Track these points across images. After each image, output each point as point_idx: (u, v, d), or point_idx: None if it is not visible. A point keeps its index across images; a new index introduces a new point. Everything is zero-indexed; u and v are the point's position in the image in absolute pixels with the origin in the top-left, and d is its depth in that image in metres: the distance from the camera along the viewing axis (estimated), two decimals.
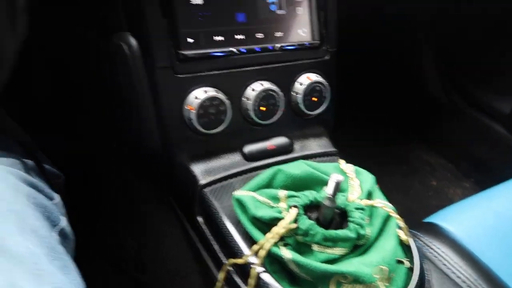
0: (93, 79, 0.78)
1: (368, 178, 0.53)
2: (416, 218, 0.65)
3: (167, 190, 0.68)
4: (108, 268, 0.80)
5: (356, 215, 0.46)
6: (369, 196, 0.51)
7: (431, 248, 0.57)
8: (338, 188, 0.44)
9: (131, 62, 0.55)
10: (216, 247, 0.52)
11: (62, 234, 0.46)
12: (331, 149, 0.67)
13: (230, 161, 0.60)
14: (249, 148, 0.61)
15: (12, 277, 0.32)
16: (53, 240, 0.40)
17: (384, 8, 0.96)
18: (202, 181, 0.57)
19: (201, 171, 0.58)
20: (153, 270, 0.76)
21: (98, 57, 0.68)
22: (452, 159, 1.25)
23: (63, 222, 0.47)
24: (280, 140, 0.63)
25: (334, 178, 0.44)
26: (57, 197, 0.50)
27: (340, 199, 0.48)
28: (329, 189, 0.45)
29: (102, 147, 0.85)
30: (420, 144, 1.34)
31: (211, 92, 0.55)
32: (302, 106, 0.63)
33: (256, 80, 0.59)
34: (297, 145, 0.65)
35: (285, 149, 0.63)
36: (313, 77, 0.63)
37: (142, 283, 0.82)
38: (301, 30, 0.63)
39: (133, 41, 0.55)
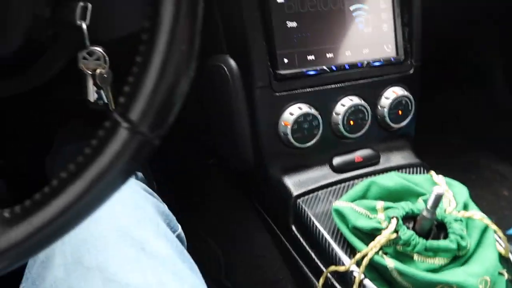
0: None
1: (462, 190, 0.54)
2: None
3: (256, 199, 0.72)
4: None
5: (456, 227, 0.48)
6: (465, 207, 0.52)
7: None
8: (438, 201, 0.46)
9: (231, 82, 0.60)
10: (313, 255, 0.56)
11: (179, 238, 0.51)
12: (415, 160, 0.68)
13: (320, 173, 0.63)
14: (337, 160, 0.64)
15: (160, 276, 0.37)
16: (180, 245, 0.45)
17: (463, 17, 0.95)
18: (296, 192, 0.60)
19: (294, 183, 0.62)
20: (240, 275, 0.80)
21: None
22: None
23: (179, 228, 0.52)
24: (367, 152, 0.65)
25: (435, 191, 0.46)
26: (166, 207, 0.55)
27: (438, 211, 0.50)
28: (429, 201, 0.47)
29: (198, 163, 0.91)
30: (489, 153, 1.29)
31: (305, 108, 0.59)
32: (388, 120, 0.65)
33: (346, 95, 0.62)
34: (383, 158, 0.67)
35: (372, 161, 0.65)
36: (399, 91, 0.65)
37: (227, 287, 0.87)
38: (386, 46, 0.65)
39: (232, 63, 0.60)
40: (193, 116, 0.84)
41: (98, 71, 0.52)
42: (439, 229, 0.50)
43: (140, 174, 0.57)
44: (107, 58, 0.52)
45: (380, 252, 0.48)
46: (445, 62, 1.05)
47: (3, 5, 0.34)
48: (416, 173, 0.66)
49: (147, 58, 0.29)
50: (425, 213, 0.47)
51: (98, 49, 0.51)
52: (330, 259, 0.52)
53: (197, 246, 0.91)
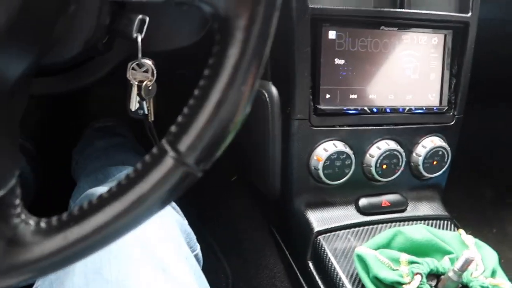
0: None
1: (492, 255, 0.53)
2: None
3: (276, 226, 0.71)
4: None
5: None
6: (493, 274, 0.51)
7: None
8: (468, 265, 0.45)
9: (269, 109, 0.60)
10: None
11: (197, 258, 0.51)
12: (444, 213, 0.67)
13: (344, 213, 0.62)
14: (363, 202, 0.63)
15: None
16: (198, 268, 0.45)
17: None
18: (317, 228, 0.60)
19: (317, 218, 0.61)
20: None
21: None
22: None
23: (198, 248, 0.52)
24: (395, 198, 0.64)
25: (466, 255, 0.44)
26: (189, 226, 0.55)
27: (464, 274, 0.49)
28: (458, 264, 0.45)
29: (220, 179, 0.92)
30: None
31: (340, 146, 0.59)
32: (421, 168, 0.63)
33: (383, 138, 0.61)
34: (410, 205, 0.65)
35: (399, 208, 0.64)
36: (437, 141, 0.64)
37: None
38: (430, 95, 0.64)
39: (274, 90, 0.60)
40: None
41: (144, 83, 0.53)
42: None
43: None
44: (155, 71, 0.53)
45: None
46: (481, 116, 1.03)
47: (70, 14, 0.35)
48: (443, 226, 0.65)
49: (205, 94, 0.29)
50: (451, 274, 0.46)
51: (148, 61, 0.53)
52: None
53: (209, 261, 0.91)
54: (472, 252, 0.45)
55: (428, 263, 0.49)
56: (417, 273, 0.47)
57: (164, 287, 0.37)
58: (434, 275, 0.49)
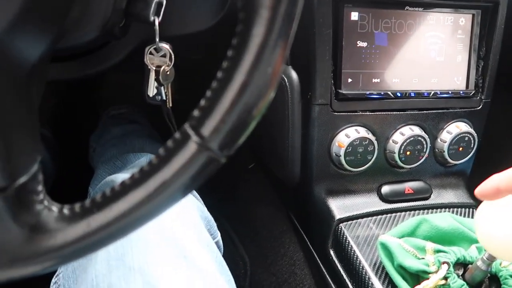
0: None
1: None
2: None
3: (295, 214, 0.70)
4: None
5: (511, 283, 0.45)
6: None
7: None
8: None
9: (289, 94, 0.58)
10: (349, 283, 0.54)
11: (217, 245, 0.50)
12: (469, 200, 0.65)
13: (367, 200, 0.61)
14: (386, 189, 0.61)
15: (193, 283, 0.36)
16: (219, 255, 0.44)
17: None
18: (338, 216, 0.58)
19: (338, 206, 0.60)
20: (266, 286, 0.79)
21: None
22: None
23: (219, 235, 0.52)
24: (418, 185, 0.63)
25: None
26: (209, 214, 0.54)
27: (493, 263, 0.47)
28: (487, 253, 0.44)
29: (239, 166, 0.91)
30: None
31: (362, 132, 0.57)
32: (446, 155, 0.61)
33: (406, 124, 0.59)
34: (434, 192, 0.63)
35: (423, 195, 0.62)
36: (463, 127, 0.61)
37: None
38: (456, 78, 0.62)
39: (294, 75, 0.58)
40: None
41: (162, 67, 0.52)
42: (491, 282, 0.47)
43: None
44: (173, 56, 0.52)
45: None
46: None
47: None
48: (469, 214, 0.63)
49: (229, 77, 0.28)
50: (479, 263, 0.45)
51: (166, 46, 0.51)
52: None
53: (227, 249, 0.91)
54: None
55: (455, 252, 0.47)
56: (444, 262, 0.45)
57: (186, 274, 0.36)
58: (461, 264, 0.48)
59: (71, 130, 1.03)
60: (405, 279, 0.47)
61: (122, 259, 0.36)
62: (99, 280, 0.35)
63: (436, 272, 0.45)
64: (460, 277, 0.46)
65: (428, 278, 0.46)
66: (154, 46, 0.50)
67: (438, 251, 0.48)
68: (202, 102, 0.30)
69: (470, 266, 0.47)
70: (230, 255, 0.89)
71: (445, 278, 0.45)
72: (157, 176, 0.29)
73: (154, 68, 0.52)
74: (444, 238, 0.51)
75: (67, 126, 1.04)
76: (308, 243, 0.65)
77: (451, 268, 0.45)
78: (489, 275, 0.47)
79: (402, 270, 0.47)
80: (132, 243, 0.37)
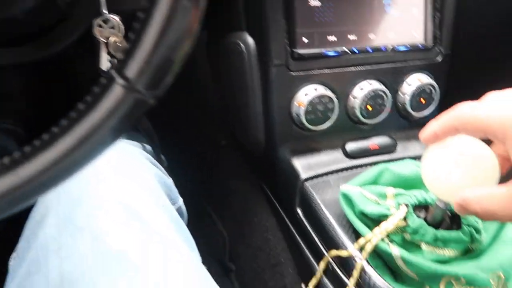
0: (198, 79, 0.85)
1: None
2: None
3: (265, 181, 0.71)
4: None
5: (471, 219, 0.45)
6: None
7: None
8: None
9: (247, 59, 0.59)
10: (316, 238, 0.54)
11: (179, 211, 0.51)
12: None
13: (332, 158, 0.61)
14: (351, 145, 0.62)
15: (148, 243, 0.36)
16: (180, 220, 0.45)
17: None
18: (304, 175, 0.59)
19: (303, 165, 0.60)
20: (243, 258, 0.80)
21: (210, 55, 0.74)
22: None
23: (180, 201, 0.52)
24: (383, 140, 0.63)
25: None
26: (170, 179, 0.55)
27: None
28: None
29: (212, 144, 0.91)
30: None
31: (320, 90, 0.57)
32: (408, 107, 0.62)
33: (365, 79, 0.60)
34: (400, 146, 0.64)
35: (388, 149, 0.63)
36: (424, 78, 0.62)
37: (231, 270, 0.86)
38: (414, 31, 0.62)
39: (250, 40, 0.59)
40: (211, 96, 0.83)
41: (112, 39, 0.51)
42: (453, 221, 0.47)
43: (148, 146, 0.57)
44: (122, 27, 0.51)
45: (386, 240, 0.46)
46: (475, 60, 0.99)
47: None
48: None
49: (149, 15, 0.28)
50: (438, 202, 0.45)
51: (114, 17, 0.51)
52: (333, 243, 0.50)
53: (206, 227, 0.91)
54: None
55: (415, 195, 0.48)
56: (403, 204, 0.46)
57: (137, 230, 0.37)
58: (423, 207, 0.48)
59: (45, 124, 1.02)
60: (368, 226, 0.48)
61: (72, 221, 0.37)
62: (49, 243, 0.36)
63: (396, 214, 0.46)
64: (422, 218, 0.47)
65: None
66: (102, 18, 0.50)
67: (399, 195, 0.48)
68: (125, 44, 0.30)
69: (430, 207, 0.48)
70: (209, 231, 0.90)
71: (405, 219, 0.46)
72: (85, 122, 0.29)
73: (104, 40, 0.52)
74: (406, 184, 0.51)
75: (42, 120, 1.03)
76: (279, 207, 0.66)
77: (410, 209, 0.46)
78: (449, 213, 0.47)
79: (364, 217, 0.48)
80: (83, 206, 0.38)
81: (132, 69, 0.29)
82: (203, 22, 0.29)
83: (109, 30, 0.52)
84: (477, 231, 0.45)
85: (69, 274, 0.34)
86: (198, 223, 0.91)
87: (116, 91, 0.29)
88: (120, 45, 0.53)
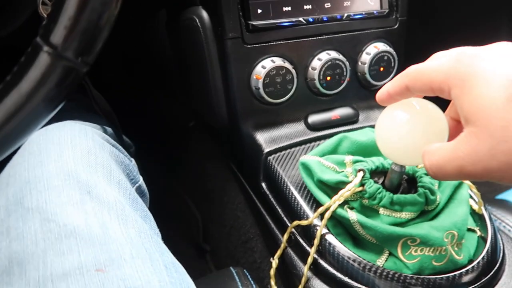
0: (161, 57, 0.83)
1: None
2: (488, 197, 0.63)
3: (231, 158, 0.70)
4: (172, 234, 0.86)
5: (425, 180, 0.46)
6: None
7: (504, 222, 0.55)
8: None
9: (202, 34, 0.57)
10: (280, 211, 0.54)
11: (139, 191, 0.50)
12: None
13: (294, 131, 0.61)
14: (313, 118, 0.62)
15: (104, 219, 0.36)
16: (134, 193, 0.44)
17: None
18: (267, 149, 0.58)
19: (266, 139, 0.60)
20: (217, 237, 0.80)
21: (170, 34, 0.72)
22: None
23: (141, 180, 0.51)
24: (345, 111, 0.63)
25: None
26: (133, 161, 0.54)
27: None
28: None
29: (179, 126, 0.90)
30: None
31: (278, 61, 0.57)
32: (368, 76, 0.62)
33: (323, 50, 0.59)
34: (362, 116, 0.64)
35: (350, 120, 0.63)
36: (381, 46, 0.62)
37: (206, 251, 0.87)
38: None
39: (204, 14, 0.57)
40: (176, 78, 0.82)
41: None
42: (410, 184, 0.48)
43: (109, 129, 0.56)
44: None
45: (345, 206, 0.46)
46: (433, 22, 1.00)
47: None
48: None
49: None
50: (394, 166, 0.46)
51: None
52: (296, 214, 0.50)
53: (181, 209, 0.91)
54: None
55: (373, 161, 0.48)
56: (360, 170, 0.46)
57: (89, 206, 0.36)
58: (381, 173, 0.49)
59: None
60: (327, 193, 0.48)
61: (21, 202, 0.35)
62: None
63: (352, 181, 0.46)
64: (379, 183, 0.47)
65: None
66: None
67: (356, 161, 0.49)
68: (48, 9, 0.29)
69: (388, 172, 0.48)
70: (184, 214, 0.89)
71: (362, 185, 0.46)
72: (13, 93, 0.27)
73: None
74: (365, 151, 0.52)
75: None
76: (245, 184, 0.65)
77: (367, 175, 0.46)
78: (406, 177, 0.48)
79: (324, 186, 0.48)
80: (31, 186, 0.36)
81: (57, 36, 0.28)
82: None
83: None
84: (432, 192, 0.45)
85: (17, 255, 0.33)
86: (174, 209, 0.91)
87: (43, 59, 0.28)
88: None
